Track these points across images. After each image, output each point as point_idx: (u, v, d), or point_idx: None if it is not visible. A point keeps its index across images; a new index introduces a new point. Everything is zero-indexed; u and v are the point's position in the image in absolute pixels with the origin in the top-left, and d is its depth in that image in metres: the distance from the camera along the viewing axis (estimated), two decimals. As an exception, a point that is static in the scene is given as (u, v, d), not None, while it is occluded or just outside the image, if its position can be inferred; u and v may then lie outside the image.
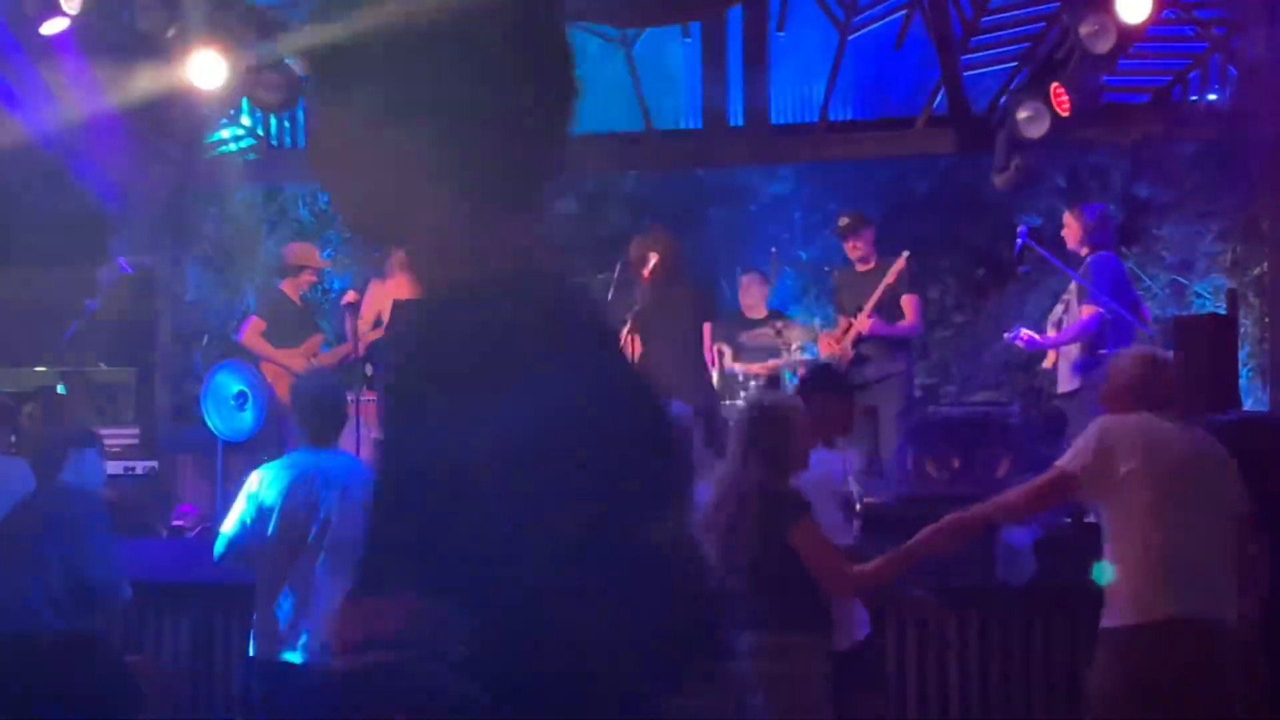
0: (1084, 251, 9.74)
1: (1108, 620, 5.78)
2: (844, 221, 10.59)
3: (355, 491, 6.39)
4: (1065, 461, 5.90)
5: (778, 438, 6.02)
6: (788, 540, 5.84)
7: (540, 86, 1.64)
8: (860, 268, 10.58)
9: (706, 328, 10.21)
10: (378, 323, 10.38)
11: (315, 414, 6.61)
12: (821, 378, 7.23)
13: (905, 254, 10.27)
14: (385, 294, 10.11)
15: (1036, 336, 9.80)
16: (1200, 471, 5.95)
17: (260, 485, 6.47)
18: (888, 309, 10.28)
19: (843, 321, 10.56)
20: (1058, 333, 9.79)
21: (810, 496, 6.00)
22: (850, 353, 10.29)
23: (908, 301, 10.37)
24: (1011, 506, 6.05)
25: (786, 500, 5.92)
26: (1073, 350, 9.63)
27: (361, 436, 9.79)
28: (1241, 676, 5.81)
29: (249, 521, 6.42)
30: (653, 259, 9.89)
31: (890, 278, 10.19)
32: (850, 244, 10.56)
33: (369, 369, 11.60)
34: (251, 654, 6.46)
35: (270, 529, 6.37)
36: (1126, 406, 6.02)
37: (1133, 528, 5.79)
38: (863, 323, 10.22)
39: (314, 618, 6.23)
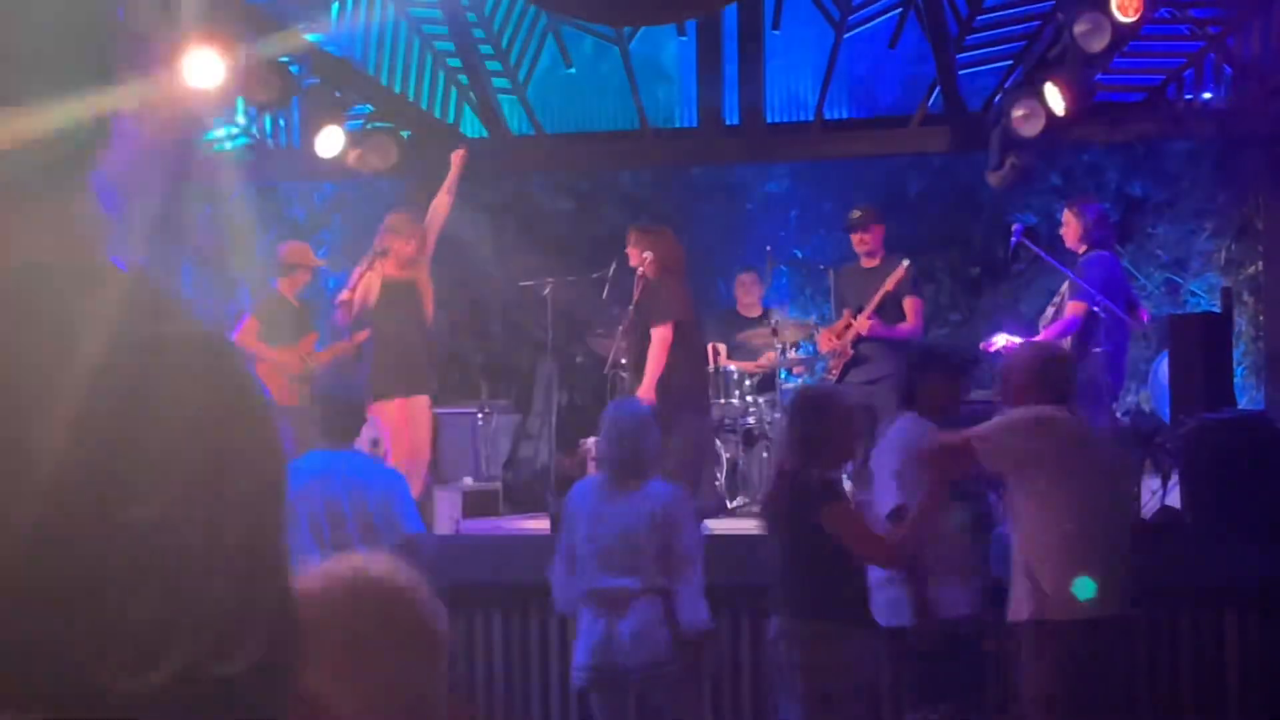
0: (1082, 249, 9.75)
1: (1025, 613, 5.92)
2: (856, 214, 10.54)
3: (374, 492, 6.48)
4: (973, 432, 6.05)
5: (816, 426, 6.10)
6: (820, 525, 5.90)
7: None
8: (865, 263, 10.55)
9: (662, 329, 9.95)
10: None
11: (334, 412, 6.65)
12: (931, 358, 7.24)
13: (906, 262, 10.23)
14: (370, 275, 10.09)
15: (1015, 341, 9.77)
16: (1099, 466, 6.05)
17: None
18: (889, 310, 10.26)
19: (845, 315, 10.53)
20: (1043, 331, 9.78)
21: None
22: (850, 351, 10.28)
23: (910, 304, 10.34)
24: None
25: (817, 486, 5.99)
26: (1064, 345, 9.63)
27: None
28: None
29: None
30: (648, 255, 9.90)
31: (889, 285, 10.16)
32: (859, 236, 10.51)
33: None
34: None
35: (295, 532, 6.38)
36: (1026, 400, 6.11)
37: (1042, 516, 5.90)
38: (863, 323, 10.21)
39: None
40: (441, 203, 10.56)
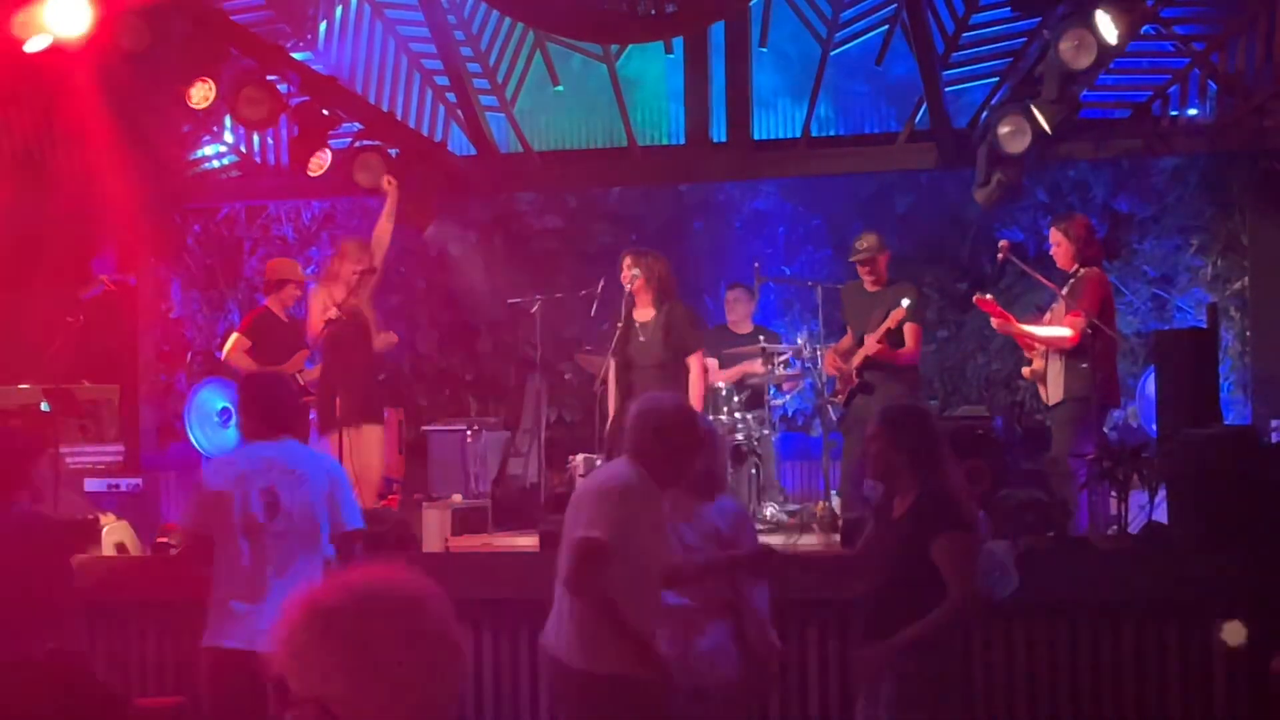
0: (1073, 268, 9.77)
1: None
2: (862, 246, 10.53)
3: (308, 478, 6.44)
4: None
5: (922, 438, 5.99)
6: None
7: None
8: (869, 286, 10.59)
9: (700, 356, 10.20)
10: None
11: (259, 410, 6.58)
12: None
13: (907, 302, 10.22)
14: (324, 295, 10.10)
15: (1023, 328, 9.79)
16: None
17: (213, 476, 6.55)
18: (890, 335, 10.30)
19: (848, 336, 10.58)
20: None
21: None
22: (855, 378, 10.32)
23: (910, 331, 10.37)
24: None
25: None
26: (1058, 364, 9.65)
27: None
28: None
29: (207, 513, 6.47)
30: (662, 278, 10.04)
31: (890, 323, 10.20)
32: (866, 270, 10.55)
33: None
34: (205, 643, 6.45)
35: (228, 518, 6.39)
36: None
37: None
38: (871, 347, 10.25)
39: (266, 606, 6.24)
40: (384, 229, 10.61)
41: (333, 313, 9.75)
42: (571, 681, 5.78)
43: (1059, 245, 9.88)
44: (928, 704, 5.77)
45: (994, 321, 10.01)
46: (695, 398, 9.93)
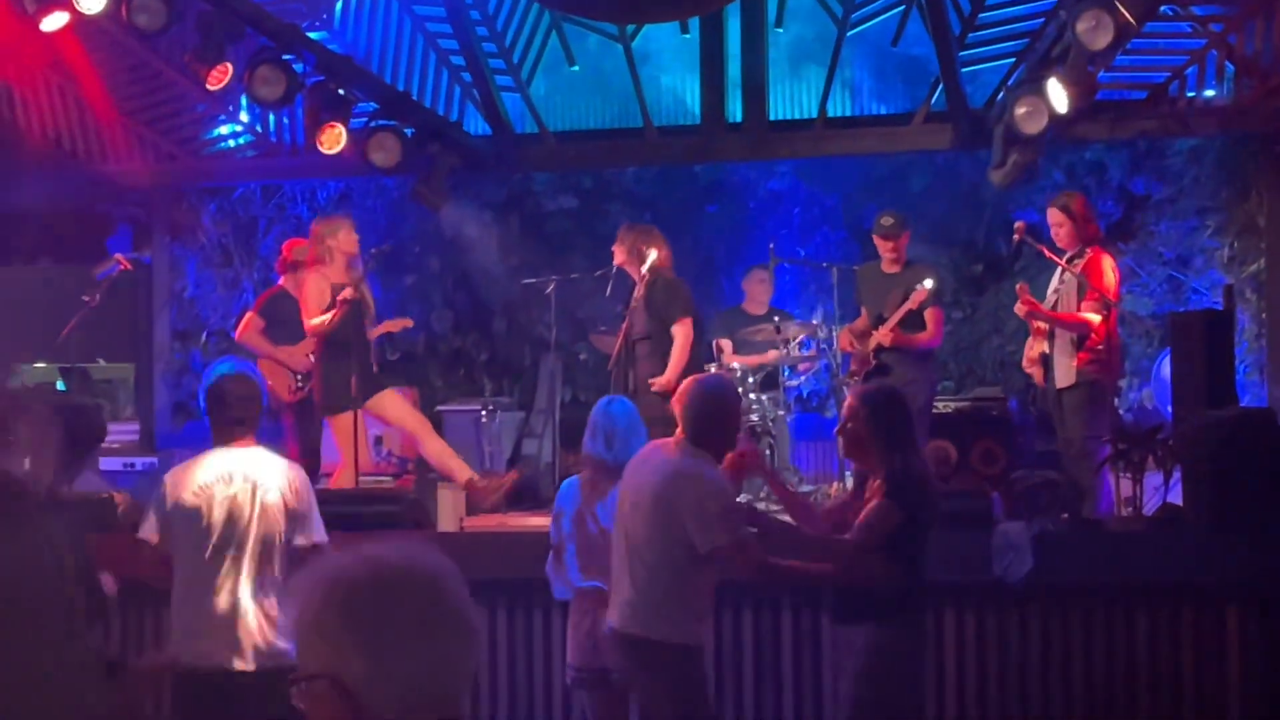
0: (1077, 247, 9.69)
1: None
2: (888, 221, 10.41)
3: (272, 490, 6.19)
4: None
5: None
6: None
7: None
8: (887, 267, 10.49)
9: (684, 325, 10.16)
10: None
11: (231, 414, 6.27)
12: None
13: (930, 283, 10.17)
14: (319, 281, 10.02)
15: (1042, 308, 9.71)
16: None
17: (179, 486, 6.20)
18: (908, 319, 10.24)
19: (864, 317, 10.52)
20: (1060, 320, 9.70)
21: None
22: (873, 360, 10.27)
23: (931, 315, 10.30)
24: None
25: None
26: (1069, 347, 9.59)
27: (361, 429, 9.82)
28: None
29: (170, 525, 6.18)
30: (654, 252, 10.06)
31: (912, 304, 10.14)
32: (890, 244, 10.42)
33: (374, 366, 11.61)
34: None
35: (192, 530, 6.14)
36: None
37: None
38: (885, 335, 10.20)
39: (237, 620, 6.07)
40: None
41: (349, 292, 9.70)
42: (657, 652, 6.12)
43: (1062, 225, 9.72)
44: (886, 702, 5.97)
45: (1020, 309, 9.78)
46: (674, 366, 9.97)
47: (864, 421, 6.11)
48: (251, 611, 6.05)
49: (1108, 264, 9.62)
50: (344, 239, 10.06)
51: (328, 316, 9.74)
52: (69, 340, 10.71)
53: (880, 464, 6.06)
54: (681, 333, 10.11)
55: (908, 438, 6.17)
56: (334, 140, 11.06)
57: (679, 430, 6.25)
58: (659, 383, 9.89)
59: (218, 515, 6.10)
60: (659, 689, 6.16)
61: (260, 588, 6.10)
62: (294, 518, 6.21)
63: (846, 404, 6.37)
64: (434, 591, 2.26)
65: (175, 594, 6.19)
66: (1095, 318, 9.44)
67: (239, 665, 6.03)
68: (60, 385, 10.84)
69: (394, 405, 10.20)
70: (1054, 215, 9.81)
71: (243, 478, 6.16)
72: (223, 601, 6.08)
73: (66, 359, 10.90)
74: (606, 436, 7.08)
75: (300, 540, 6.21)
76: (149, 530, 6.17)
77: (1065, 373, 9.56)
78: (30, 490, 4.27)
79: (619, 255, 10.32)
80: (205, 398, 6.35)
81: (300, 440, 10.41)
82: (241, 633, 6.03)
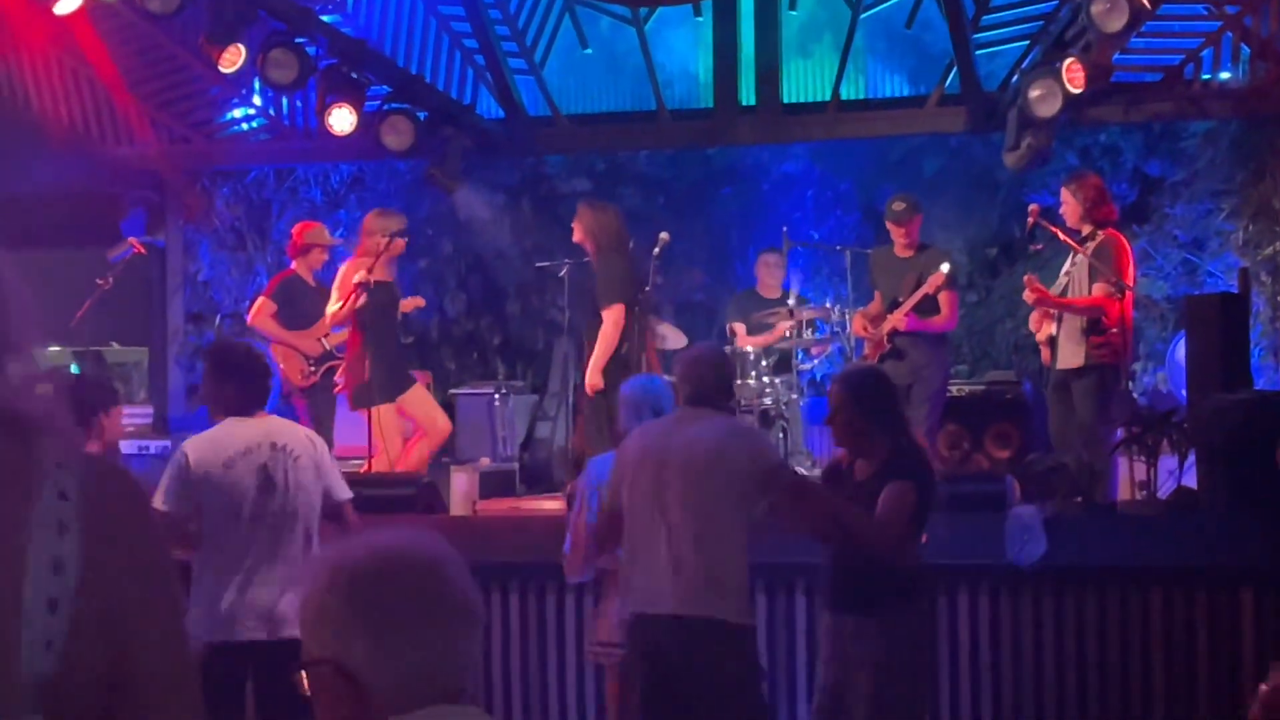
0: (1087, 229, 9.64)
1: None
2: (899, 206, 10.26)
3: (299, 454, 6.25)
4: None
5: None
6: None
7: None
8: (900, 252, 10.39)
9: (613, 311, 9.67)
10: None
11: (239, 384, 6.30)
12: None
13: (946, 267, 10.10)
14: (358, 271, 10.01)
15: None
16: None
17: (205, 458, 6.19)
18: (923, 303, 10.17)
19: (878, 301, 10.44)
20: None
21: None
22: (887, 344, 10.21)
23: (946, 298, 10.20)
24: None
25: None
26: (1076, 331, 9.53)
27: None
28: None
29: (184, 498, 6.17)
30: (580, 231, 9.88)
31: (929, 288, 10.06)
32: (901, 229, 10.32)
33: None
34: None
35: (225, 501, 6.16)
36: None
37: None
38: (899, 319, 10.11)
39: (265, 592, 6.11)
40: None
41: (362, 275, 9.69)
42: (726, 634, 5.78)
43: (1066, 204, 9.67)
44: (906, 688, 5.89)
45: (1029, 296, 9.71)
46: (598, 354, 9.52)
47: (854, 407, 5.97)
48: (288, 580, 6.06)
49: (1125, 250, 9.59)
50: (393, 244, 9.98)
51: (340, 306, 9.74)
52: (83, 324, 10.72)
53: (878, 446, 5.95)
54: (606, 318, 9.61)
55: (900, 415, 6.13)
56: (347, 122, 11.05)
57: (684, 398, 6.12)
58: (587, 377, 9.55)
59: (250, 484, 6.12)
60: (725, 675, 5.78)
61: (295, 555, 6.13)
62: (324, 479, 6.33)
63: (831, 393, 6.19)
64: (437, 577, 2.27)
65: (203, 570, 6.14)
66: (1105, 301, 9.42)
67: (281, 633, 6.05)
68: (74, 369, 10.86)
69: (419, 401, 10.17)
70: (1062, 193, 9.80)
71: (270, 446, 6.20)
72: (259, 573, 6.10)
73: (80, 342, 10.92)
74: (655, 411, 6.77)
75: (329, 500, 6.34)
76: (159, 501, 6.08)
77: (1072, 355, 9.53)
78: None
79: (576, 233, 9.98)
80: (217, 369, 6.38)
81: (313, 425, 10.40)
82: (284, 604, 6.05)
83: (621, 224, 9.96)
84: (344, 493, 6.45)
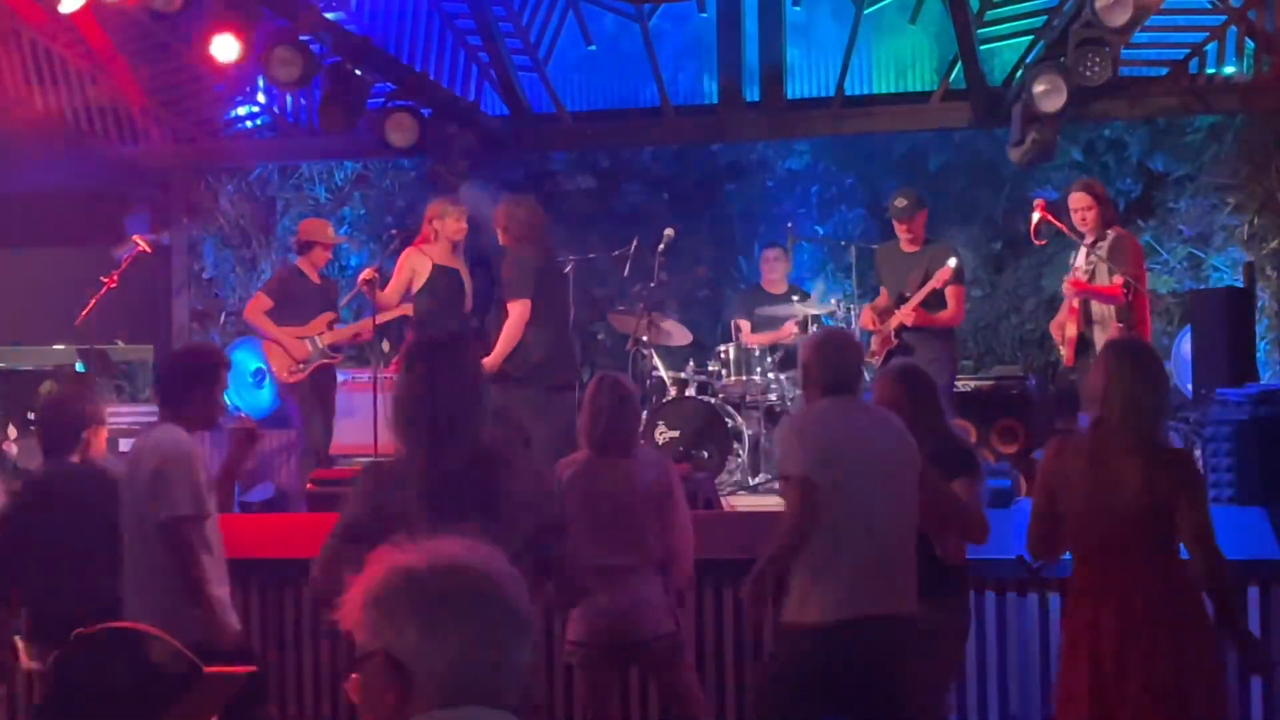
0: (1100, 230, 9.61)
1: None
2: (901, 203, 10.20)
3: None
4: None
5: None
6: None
7: None
8: (906, 247, 10.36)
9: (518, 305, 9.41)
10: (408, 295, 10.11)
11: (206, 392, 6.19)
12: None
13: (953, 262, 10.06)
14: (419, 259, 9.97)
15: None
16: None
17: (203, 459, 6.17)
18: (929, 298, 10.14)
19: (883, 295, 10.41)
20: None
21: None
22: (895, 340, 10.18)
23: (952, 293, 10.17)
24: None
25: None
26: (1111, 325, 9.45)
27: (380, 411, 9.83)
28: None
29: None
30: (497, 225, 9.63)
31: (936, 284, 10.02)
32: (904, 226, 10.29)
33: (385, 345, 11.63)
34: None
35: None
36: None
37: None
38: (906, 315, 10.07)
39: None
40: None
41: (369, 272, 9.66)
42: (915, 633, 5.54)
43: (1091, 209, 9.45)
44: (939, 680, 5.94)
45: (1069, 289, 9.59)
46: (499, 348, 9.26)
47: (908, 402, 5.92)
48: None
49: (1137, 247, 9.56)
50: (450, 225, 9.97)
51: (357, 325, 9.79)
52: (88, 322, 10.72)
53: (928, 440, 5.81)
54: (514, 313, 9.35)
55: (941, 407, 6.16)
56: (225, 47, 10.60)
57: (823, 386, 5.70)
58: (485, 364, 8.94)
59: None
60: (922, 673, 5.60)
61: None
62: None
63: (880, 391, 6.09)
64: (491, 584, 2.38)
65: (208, 572, 6.01)
66: (1117, 293, 9.39)
67: None
68: (79, 367, 10.86)
69: None
70: (1080, 199, 9.53)
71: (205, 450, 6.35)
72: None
73: (86, 341, 10.92)
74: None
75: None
76: (201, 507, 6.04)
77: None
78: None
79: (496, 228, 9.70)
80: (181, 374, 6.26)
81: (300, 421, 10.40)
82: None
83: (538, 218, 9.62)
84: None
